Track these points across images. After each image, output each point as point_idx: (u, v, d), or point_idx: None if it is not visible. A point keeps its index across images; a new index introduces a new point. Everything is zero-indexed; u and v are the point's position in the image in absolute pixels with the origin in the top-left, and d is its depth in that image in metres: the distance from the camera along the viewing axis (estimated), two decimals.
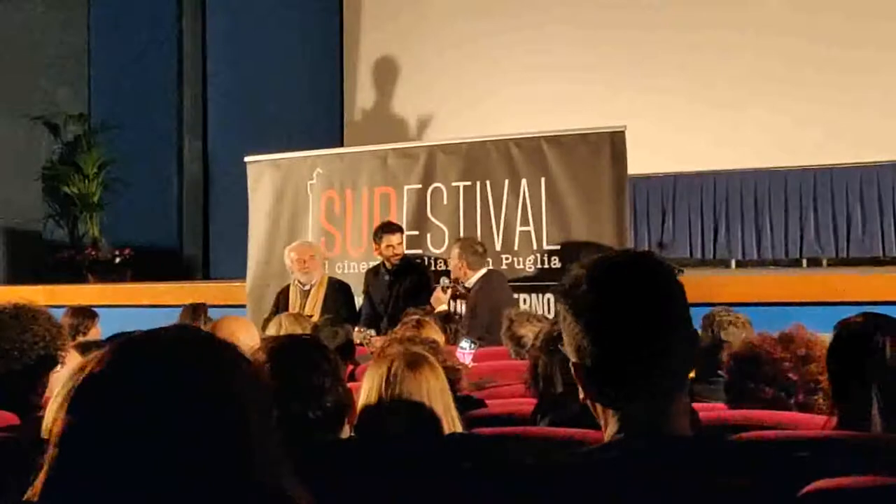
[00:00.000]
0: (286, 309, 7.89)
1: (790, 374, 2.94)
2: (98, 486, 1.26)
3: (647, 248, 11.37)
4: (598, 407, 1.80)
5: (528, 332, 5.48)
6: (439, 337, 5.15)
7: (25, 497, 1.34)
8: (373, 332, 7.68)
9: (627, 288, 1.74)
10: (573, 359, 1.78)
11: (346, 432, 2.49)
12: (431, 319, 5.72)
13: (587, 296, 1.74)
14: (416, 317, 5.71)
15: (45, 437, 2.41)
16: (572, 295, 1.77)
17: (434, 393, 2.75)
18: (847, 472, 1.71)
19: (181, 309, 7.21)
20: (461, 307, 7.92)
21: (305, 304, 7.87)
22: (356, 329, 7.59)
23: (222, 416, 1.35)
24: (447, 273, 8.22)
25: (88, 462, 1.28)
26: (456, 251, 7.79)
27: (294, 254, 8.14)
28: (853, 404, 2.36)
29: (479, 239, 8.33)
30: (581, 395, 1.81)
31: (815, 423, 2.62)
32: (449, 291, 7.85)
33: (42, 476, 1.32)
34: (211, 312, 7.75)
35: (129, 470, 1.27)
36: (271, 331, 5.33)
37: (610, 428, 1.77)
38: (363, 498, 2.12)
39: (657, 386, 1.74)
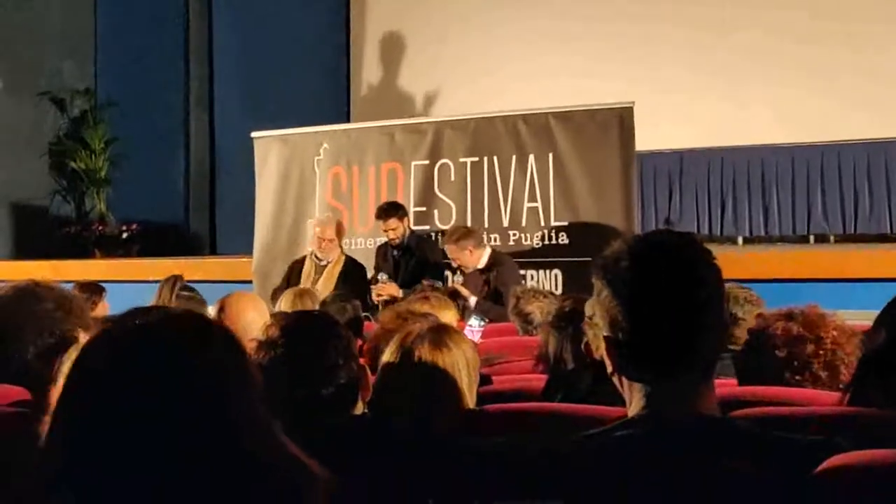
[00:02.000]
0: (298, 280, 7.92)
1: (805, 349, 2.94)
2: (103, 474, 1.27)
3: (654, 225, 11.39)
4: (625, 382, 1.83)
5: (536, 309, 5.49)
6: (449, 311, 5.16)
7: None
8: (384, 275, 7.76)
9: (667, 267, 1.78)
10: (606, 332, 1.81)
11: (360, 409, 2.49)
12: (442, 294, 5.72)
13: (627, 271, 1.78)
14: (424, 292, 5.71)
15: None
16: (612, 269, 1.80)
17: (458, 366, 2.72)
18: (863, 448, 1.72)
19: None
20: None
21: (320, 279, 7.87)
22: (378, 278, 7.69)
23: (225, 397, 1.35)
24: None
25: (93, 449, 1.28)
26: (453, 246, 7.72)
27: (318, 230, 8.11)
28: (887, 385, 2.34)
29: (485, 215, 8.37)
30: (610, 369, 1.84)
31: (827, 399, 2.62)
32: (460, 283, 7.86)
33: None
34: (218, 288, 7.73)
35: (137, 456, 1.27)
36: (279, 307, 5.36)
37: (635, 403, 1.80)
38: (377, 475, 2.13)
39: (686, 365, 1.78)
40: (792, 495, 1.62)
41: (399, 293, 7.43)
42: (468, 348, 2.76)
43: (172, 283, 6.49)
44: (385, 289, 7.63)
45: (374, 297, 7.62)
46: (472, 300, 7.16)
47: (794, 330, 2.98)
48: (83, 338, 3.17)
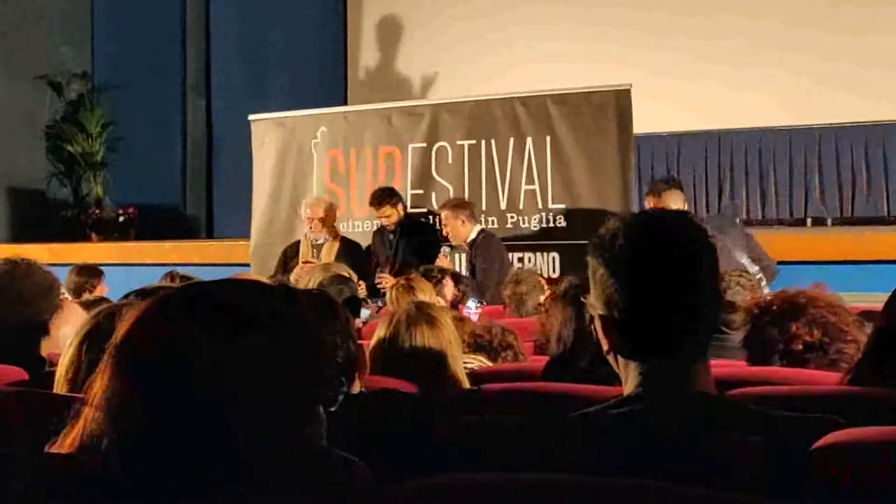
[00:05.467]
0: (295, 263, 7.95)
1: (833, 320, 2.96)
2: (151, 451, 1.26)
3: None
4: (620, 361, 1.84)
5: (533, 291, 5.52)
6: (427, 296, 5.23)
7: (53, 448, 1.34)
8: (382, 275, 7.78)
9: (663, 245, 1.78)
10: (601, 311, 1.81)
11: (357, 388, 2.50)
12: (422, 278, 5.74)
13: (622, 249, 1.78)
14: (403, 279, 5.73)
15: (59, 391, 2.42)
16: (608, 248, 1.81)
17: (437, 348, 2.75)
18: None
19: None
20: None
21: (319, 258, 7.89)
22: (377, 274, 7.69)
23: (283, 382, 1.33)
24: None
25: (142, 427, 1.27)
26: (447, 213, 7.80)
27: (309, 211, 8.16)
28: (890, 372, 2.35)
29: (483, 198, 8.38)
30: (605, 348, 1.84)
31: (828, 379, 2.63)
32: (453, 256, 7.89)
33: (78, 431, 1.31)
34: (215, 271, 7.77)
35: (181, 433, 1.26)
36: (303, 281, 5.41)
37: (630, 382, 1.80)
38: (375, 454, 2.13)
39: (681, 343, 1.79)
40: (788, 470, 1.63)
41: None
42: (453, 324, 2.80)
43: (171, 280, 6.50)
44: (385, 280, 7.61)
45: (377, 282, 7.61)
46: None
47: (830, 299, 3.00)
48: (72, 316, 3.17)
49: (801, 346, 2.94)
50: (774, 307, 3.06)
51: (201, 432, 1.25)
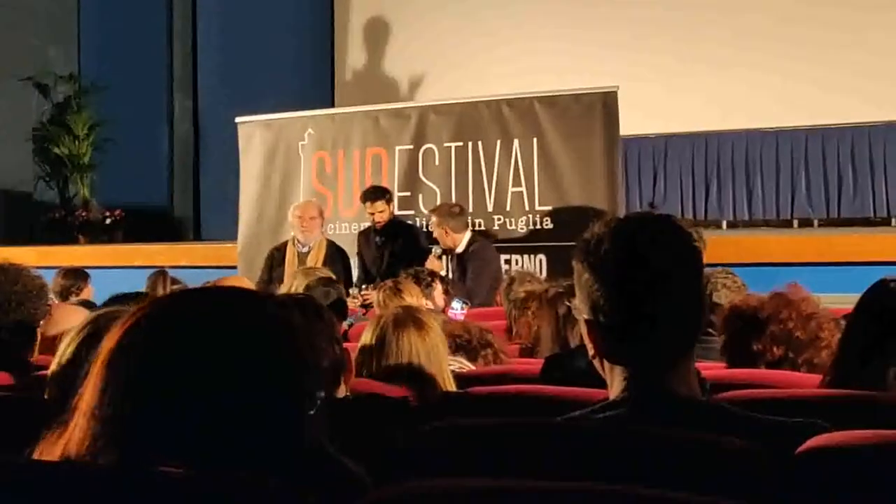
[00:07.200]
0: (281, 267, 7.92)
1: (798, 334, 2.95)
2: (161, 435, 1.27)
3: (638, 209, 11.39)
4: (606, 365, 1.84)
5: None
6: (416, 289, 5.23)
7: (41, 454, 1.34)
8: (355, 290, 7.70)
9: (647, 249, 1.78)
10: (586, 315, 1.81)
11: (343, 392, 2.50)
12: (411, 281, 5.73)
13: (608, 254, 1.78)
14: (391, 282, 5.72)
15: (50, 394, 2.40)
16: (593, 252, 1.80)
17: (424, 351, 2.75)
18: (842, 429, 1.73)
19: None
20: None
21: (305, 263, 7.87)
22: (352, 292, 7.61)
23: (286, 373, 1.35)
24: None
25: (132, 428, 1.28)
26: (434, 220, 7.79)
27: (298, 211, 8.15)
28: (865, 368, 2.36)
29: (470, 200, 8.35)
30: (591, 353, 1.84)
31: (808, 382, 2.64)
32: (443, 258, 7.87)
33: (65, 440, 1.31)
34: (203, 274, 7.75)
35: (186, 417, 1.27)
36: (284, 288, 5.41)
37: (616, 386, 1.81)
38: (361, 459, 2.13)
39: (666, 347, 1.78)
40: (774, 474, 1.63)
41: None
42: (440, 328, 2.80)
43: (164, 279, 6.48)
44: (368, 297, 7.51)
45: (352, 304, 7.44)
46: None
47: (802, 309, 3.00)
48: (46, 322, 3.17)
49: (764, 367, 2.95)
50: (740, 322, 3.05)
51: (191, 434, 1.26)
